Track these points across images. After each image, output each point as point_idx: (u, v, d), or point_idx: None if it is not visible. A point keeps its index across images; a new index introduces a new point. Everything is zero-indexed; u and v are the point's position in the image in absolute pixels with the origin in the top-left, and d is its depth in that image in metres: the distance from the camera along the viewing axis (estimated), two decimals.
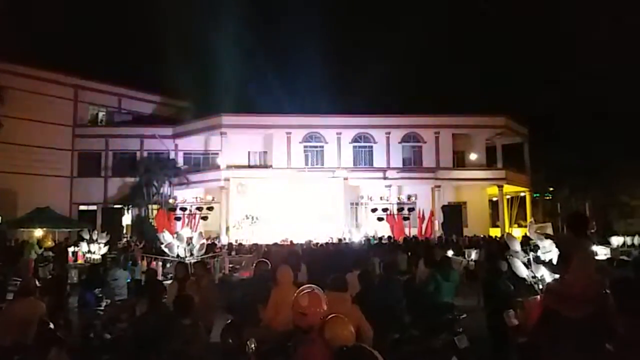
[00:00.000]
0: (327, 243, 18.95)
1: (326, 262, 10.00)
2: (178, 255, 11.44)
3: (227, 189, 27.88)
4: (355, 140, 31.04)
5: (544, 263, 5.68)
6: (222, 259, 14.82)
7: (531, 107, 35.25)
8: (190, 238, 12.02)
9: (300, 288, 3.45)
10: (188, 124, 31.88)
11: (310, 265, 9.34)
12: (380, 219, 25.85)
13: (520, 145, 33.18)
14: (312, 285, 3.44)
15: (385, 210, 26.00)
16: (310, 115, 30.23)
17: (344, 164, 29.94)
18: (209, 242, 20.14)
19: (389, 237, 20.50)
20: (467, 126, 31.07)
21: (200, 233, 12.50)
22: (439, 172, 29.66)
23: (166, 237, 11.77)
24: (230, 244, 21.52)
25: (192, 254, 11.63)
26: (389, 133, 30.63)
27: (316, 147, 31.02)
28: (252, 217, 26.78)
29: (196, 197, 27.07)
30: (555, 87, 39.00)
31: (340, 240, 21.13)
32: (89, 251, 14.97)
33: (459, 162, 32.32)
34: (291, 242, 18.90)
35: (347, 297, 4.66)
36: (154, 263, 12.62)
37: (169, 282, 8.35)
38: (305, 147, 30.79)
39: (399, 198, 27.23)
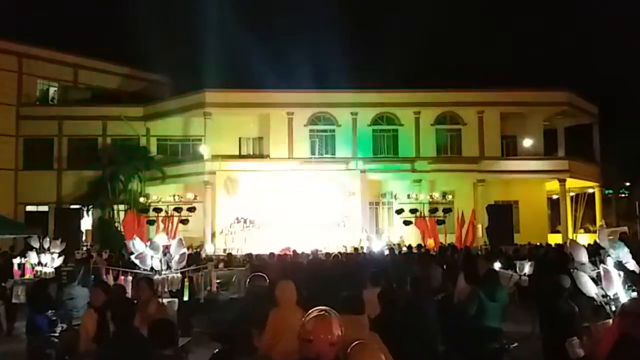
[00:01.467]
0: (340, 253, 18.91)
1: (338, 277, 10.03)
2: (152, 269, 11.50)
3: (213, 184, 27.99)
4: (375, 122, 31.02)
5: (626, 272, 5.65)
6: (207, 273, 14.88)
7: (603, 81, 35.01)
8: (167, 247, 12.06)
9: (311, 310, 3.49)
10: (163, 102, 32.06)
11: (319, 281, 9.37)
12: (407, 223, 25.84)
13: (588, 128, 32.96)
14: (324, 307, 3.47)
15: (414, 211, 25.98)
16: (317, 90, 30.25)
17: (361, 153, 29.98)
18: (191, 251, 20.22)
19: (419, 246, 20.48)
20: (519, 103, 30.93)
21: (180, 240, 12.48)
22: (483, 162, 29.60)
23: (137, 245, 11.81)
24: (217, 255, 21.56)
25: (169, 267, 11.68)
26: (418, 113, 30.55)
27: (325, 131, 31.02)
28: (245, 221, 26.87)
29: (174, 196, 27.21)
30: (634, 56, 38.61)
31: (356, 249, 21.14)
32: (39, 263, 15.05)
33: (510, 149, 32.21)
34: (294, 252, 18.96)
35: (364, 322, 4.67)
36: (122, 278, 12.70)
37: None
38: (311, 131, 30.82)
39: (431, 196, 27.19)
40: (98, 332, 5.65)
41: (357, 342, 3.20)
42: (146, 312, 6.68)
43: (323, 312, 3.43)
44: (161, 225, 25.29)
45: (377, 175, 29.09)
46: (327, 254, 17.97)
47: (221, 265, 17.68)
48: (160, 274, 11.06)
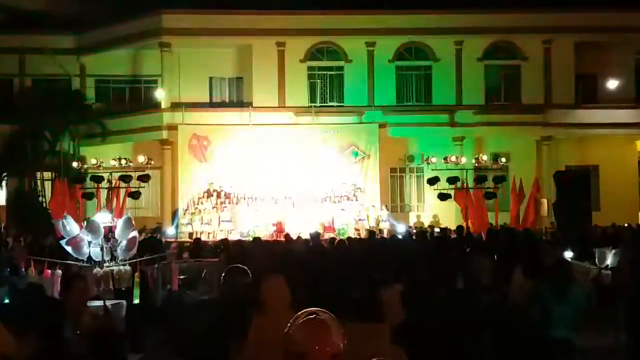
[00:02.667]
0: (348, 238, 18.96)
1: (348, 270, 10.04)
2: (90, 259, 11.54)
3: (174, 144, 27.98)
4: (399, 56, 30.85)
5: None
6: (167, 266, 14.95)
7: None
8: (111, 229, 12.09)
9: (297, 315, 3.47)
10: (103, 29, 31.73)
11: (321, 276, 9.39)
12: (443, 197, 25.73)
13: None
14: (316, 309, 3.46)
15: (453, 180, 25.83)
16: (318, 11, 30.08)
17: (379, 101, 29.87)
18: (145, 235, 20.24)
19: (459, 228, 20.48)
20: (601, 29, 30.60)
21: (129, 220, 12.58)
22: (550, 112, 29.52)
23: (68, 226, 11.86)
24: (180, 241, 21.66)
25: (114, 257, 11.72)
26: (460, 43, 30.38)
27: (330, 69, 30.85)
28: (219, 194, 26.92)
29: (119, 159, 27.10)
30: None
31: (372, 233, 21.16)
32: None
33: (587, 94, 31.98)
34: (287, 235, 18.96)
35: (383, 331, 4.69)
36: (48, 272, 12.75)
37: None
38: (310, 70, 30.68)
39: (477, 160, 27.10)
40: (9, 351, 5.63)
41: (375, 359, 3.18)
42: (81, 319, 6.69)
43: (315, 314, 3.40)
44: (102, 200, 25.31)
45: (402, 131, 29.11)
46: (332, 239, 18.02)
47: (186, 254, 17.77)
48: (101, 267, 11.11)
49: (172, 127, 28.22)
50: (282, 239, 19.09)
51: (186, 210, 27.04)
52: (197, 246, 18.50)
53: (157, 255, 15.33)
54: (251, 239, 18.40)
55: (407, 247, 15.96)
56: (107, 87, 32.66)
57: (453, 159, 26.88)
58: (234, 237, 22.72)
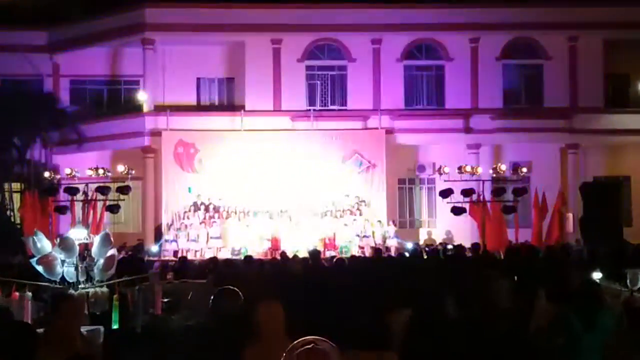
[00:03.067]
0: (353, 257, 18.97)
1: (351, 293, 10.04)
2: (64, 280, 11.53)
3: (157, 152, 28.00)
4: (409, 55, 30.94)
5: None
6: (149, 288, 14.93)
7: None
8: (88, 246, 12.08)
9: (294, 344, 3.48)
10: (80, 24, 31.79)
11: (321, 299, 9.41)
12: (458, 211, 25.75)
13: None
14: (315, 338, 3.46)
15: (468, 193, 25.87)
16: (319, 4, 30.23)
17: (386, 104, 29.91)
18: (124, 253, 20.22)
19: (475, 246, 20.52)
20: (633, 24, 30.59)
21: (107, 236, 12.57)
22: (576, 117, 29.49)
23: (40, 243, 11.85)
24: (164, 259, 21.69)
25: (90, 278, 11.70)
26: (476, 41, 30.44)
27: (332, 70, 30.91)
28: (207, 208, 26.94)
29: (96, 168, 27.13)
30: None
31: (378, 251, 21.18)
32: None
33: (618, 97, 32.02)
34: (283, 254, 19.02)
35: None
36: (16, 295, 12.75)
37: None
38: (309, 70, 30.77)
39: (495, 169, 27.09)
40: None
41: None
42: (55, 347, 6.69)
43: (313, 344, 3.41)
44: (78, 214, 25.31)
45: (412, 138, 29.16)
46: (332, 257, 18.01)
47: (170, 275, 17.73)
48: (75, 289, 11.08)
49: (156, 133, 28.25)
50: (278, 257, 19.06)
51: (171, 225, 27.05)
52: (182, 265, 18.50)
53: (138, 276, 15.32)
54: (243, 258, 18.38)
55: (417, 267, 15.95)
56: (83, 88, 32.76)
57: (468, 169, 26.86)
58: (223, 255, 22.75)
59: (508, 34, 30.76)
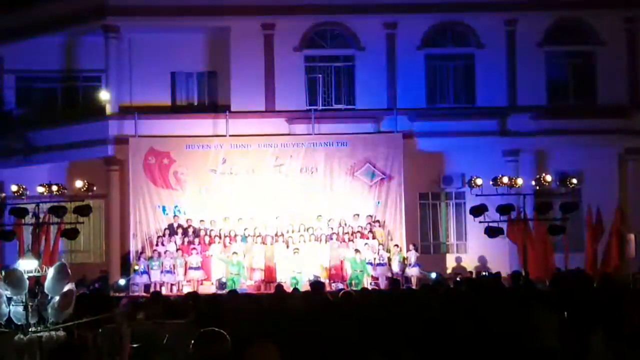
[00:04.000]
0: (365, 290, 19.06)
1: (361, 332, 10.13)
2: (10, 322, 11.60)
3: (123, 163, 28.10)
4: (430, 42, 31.01)
5: None
6: (115, 330, 15.03)
7: None
8: (38, 280, 12.15)
9: None
10: (28, 9, 31.92)
11: (324, 340, 9.48)
12: (493, 232, 25.88)
13: None
14: None
15: (505, 210, 26.01)
16: None
17: (403, 102, 30.04)
18: (85, 289, 20.29)
19: (516, 274, 20.59)
20: None
21: (63, 268, 12.65)
22: (637, 116, 29.61)
23: None
24: (134, 295, 21.78)
25: (43, 319, 11.77)
26: (513, 23, 30.54)
27: (337, 60, 31.03)
28: (185, 232, 27.02)
29: (49, 185, 27.27)
30: None
31: (395, 281, 21.28)
32: None
33: None
34: (278, 286, 18.99)
35: None
36: None
37: None
38: (309, 61, 30.91)
39: (538, 181, 27.20)
40: None
41: None
42: None
43: None
44: (27, 241, 25.41)
45: (436, 143, 29.25)
46: (339, 290, 18.08)
47: (141, 314, 17.83)
48: (25, 333, 11.15)
49: (121, 141, 28.36)
50: (272, 291, 19.14)
51: (141, 254, 27.06)
52: (156, 302, 18.57)
53: (101, 316, 15.42)
54: (229, 292, 18.44)
55: (443, 300, 16.01)
56: (33, 86, 32.80)
57: (505, 180, 26.99)
58: (206, 289, 22.82)
59: (552, 14, 30.79)
